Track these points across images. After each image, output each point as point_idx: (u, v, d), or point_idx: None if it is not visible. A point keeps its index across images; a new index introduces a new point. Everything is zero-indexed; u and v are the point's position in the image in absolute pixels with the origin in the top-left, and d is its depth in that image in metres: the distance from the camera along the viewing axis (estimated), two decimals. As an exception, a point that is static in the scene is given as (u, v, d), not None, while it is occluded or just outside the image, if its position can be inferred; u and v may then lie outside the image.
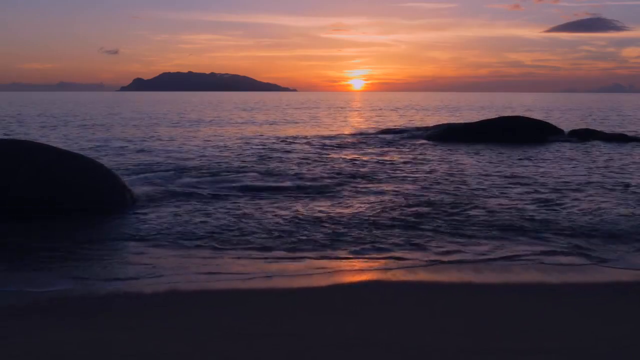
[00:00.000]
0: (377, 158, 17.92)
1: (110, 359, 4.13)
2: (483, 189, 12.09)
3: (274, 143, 23.14)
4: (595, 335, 4.79)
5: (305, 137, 25.82)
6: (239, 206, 10.34)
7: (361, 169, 15.36)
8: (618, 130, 28.78)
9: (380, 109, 64.82)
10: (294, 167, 15.88)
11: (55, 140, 23.53)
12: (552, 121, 29.52)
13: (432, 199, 11.01)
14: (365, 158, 18.00)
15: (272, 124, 36.33)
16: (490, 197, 11.30)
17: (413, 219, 9.32)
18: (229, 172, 14.77)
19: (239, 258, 7.46)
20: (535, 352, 4.33)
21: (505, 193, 11.71)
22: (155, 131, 29.69)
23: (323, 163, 16.75)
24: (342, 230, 8.68)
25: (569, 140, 22.82)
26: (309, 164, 16.58)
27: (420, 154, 18.78)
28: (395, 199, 11.03)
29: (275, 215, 9.58)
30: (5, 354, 4.21)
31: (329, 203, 10.70)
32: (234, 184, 12.66)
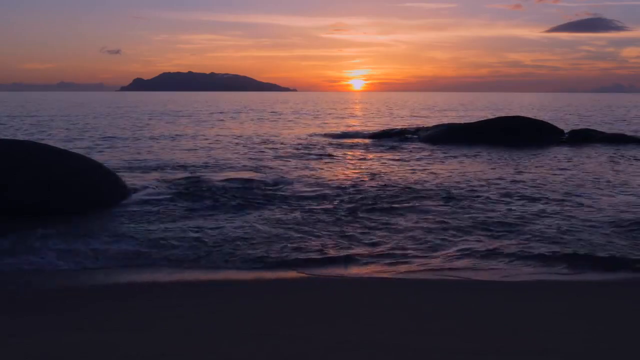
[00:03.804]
0: (376, 160, 17.92)
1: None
2: (479, 192, 12.04)
3: (276, 145, 23.15)
4: (591, 335, 4.80)
5: (305, 138, 25.84)
6: (235, 208, 10.26)
7: (358, 171, 15.37)
8: (618, 130, 28.77)
9: (380, 109, 64.80)
10: (294, 168, 15.90)
11: (54, 140, 23.53)
12: (552, 121, 29.51)
13: (430, 201, 10.98)
14: (362, 160, 18.00)
15: (274, 124, 36.34)
16: (486, 199, 11.30)
17: (411, 221, 9.31)
18: (228, 173, 14.79)
19: (234, 261, 7.44)
20: (534, 353, 4.33)
21: (501, 196, 11.66)
22: (155, 131, 29.70)
23: (321, 166, 16.75)
24: (341, 233, 8.67)
25: (569, 141, 22.80)
26: (307, 166, 16.58)
27: (418, 156, 18.77)
28: (394, 200, 11.02)
29: (272, 218, 9.50)
30: (4, 355, 4.21)
31: (326, 206, 10.65)
32: (232, 185, 12.64)
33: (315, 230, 8.75)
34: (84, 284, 6.65)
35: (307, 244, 8.09)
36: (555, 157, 18.33)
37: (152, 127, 32.57)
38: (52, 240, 8.01)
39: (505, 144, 21.43)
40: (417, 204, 10.60)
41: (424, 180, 13.53)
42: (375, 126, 33.38)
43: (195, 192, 11.68)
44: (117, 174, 12.17)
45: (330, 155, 18.92)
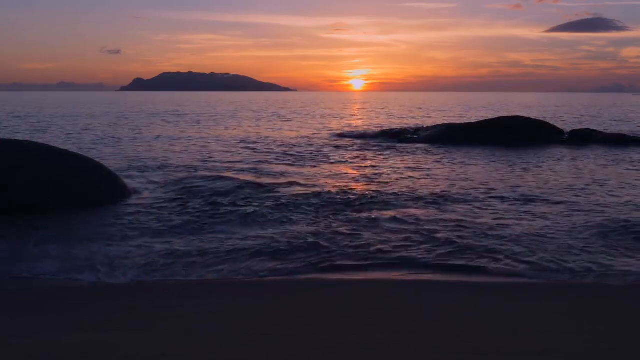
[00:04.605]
0: (374, 161, 17.87)
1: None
2: (471, 195, 11.88)
3: (275, 145, 23.16)
4: (591, 335, 4.80)
5: (304, 138, 25.86)
6: (231, 212, 10.17)
7: (354, 173, 15.37)
8: (617, 130, 28.71)
9: (380, 109, 64.79)
10: (293, 169, 15.90)
11: (54, 140, 23.53)
12: (552, 121, 29.50)
13: (421, 204, 10.88)
14: (360, 161, 17.96)
15: (274, 124, 36.36)
16: (476, 202, 11.26)
17: (396, 225, 9.21)
18: (226, 174, 14.79)
19: (233, 263, 7.39)
20: (534, 353, 4.33)
21: (492, 198, 11.54)
22: (155, 131, 29.70)
23: (319, 167, 16.74)
24: (340, 234, 8.66)
25: (569, 141, 22.77)
26: (304, 167, 16.58)
27: (416, 157, 18.73)
28: (385, 203, 11.00)
29: (270, 221, 9.44)
30: (4, 355, 4.21)
31: (318, 209, 10.52)
32: (229, 187, 12.59)
33: (308, 233, 8.65)
34: (84, 284, 6.65)
35: (314, 245, 8.03)
36: (554, 158, 18.29)
37: (152, 128, 32.57)
38: (51, 245, 7.85)
39: (505, 144, 21.41)
40: (406, 208, 10.42)
41: (419, 182, 13.48)
42: (375, 126, 33.37)
43: (193, 194, 11.66)
44: (117, 174, 12.17)
45: (328, 156, 18.90)
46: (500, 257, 7.50)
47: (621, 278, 6.78)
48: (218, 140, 24.67)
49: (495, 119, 25.24)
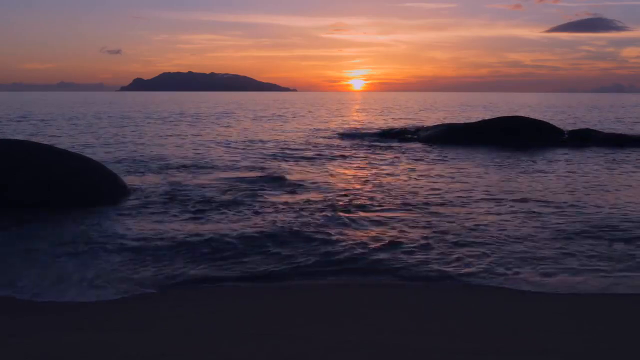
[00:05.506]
0: (371, 162, 17.81)
1: None
2: (461, 198, 11.80)
3: (273, 145, 23.17)
4: (591, 335, 4.80)
5: (303, 139, 25.84)
6: (232, 211, 10.19)
7: (349, 174, 15.37)
8: (617, 129, 28.68)
9: (380, 109, 64.77)
10: (290, 169, 15.90)
11: (55, 140, 23.53)
12: (552, 121, 29.46)
13: (423, 206, 10.87)
14: (357, 162, 17.92)
15: (273, 124, 36.36)
16: (465, 205, 11.25)
17: (404, 225, 9.24)
18: (226, 173, 14.79)
19: (234, 262, 7.38)
20: (534, 353, 4.33)
21: (481, 201, 11.48)
22: (155, 131, 29.69)
23: (315, 168, 16.73)
24: (340, 236, 8.66)
25: (569, 141, 22.71)
26: (301, 168, 16.58)
27: (414, 158, 18.61)
28: (387, 206, 11.00)
29: (268, 223, 9.33)
30: (4, 355, 4.21)
31: (322, 208, 10.60)
32: (227, 187, 12.62)
33: (307, 234, 8.58)
34: (81, 284, 6.63)
35: (314, 246, 8.05)
36: (553, 158, 18.25)
37: (151, 127, 32.56)
38: (45, 251, 7.53)
39: (505, 145, 21.37)
40: (403, 210, 10.32)
41: (417, 183, 13.41)
42: (374, 126, 33.34)
43: (192, 194, 11.63)
44: (117, 174, 12.17)
45: (326, 156, 18.84)
46: (491, 264, 7.30)
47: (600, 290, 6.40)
48: (218, 140, 24.66)
49: (495, 119, 25.14)
